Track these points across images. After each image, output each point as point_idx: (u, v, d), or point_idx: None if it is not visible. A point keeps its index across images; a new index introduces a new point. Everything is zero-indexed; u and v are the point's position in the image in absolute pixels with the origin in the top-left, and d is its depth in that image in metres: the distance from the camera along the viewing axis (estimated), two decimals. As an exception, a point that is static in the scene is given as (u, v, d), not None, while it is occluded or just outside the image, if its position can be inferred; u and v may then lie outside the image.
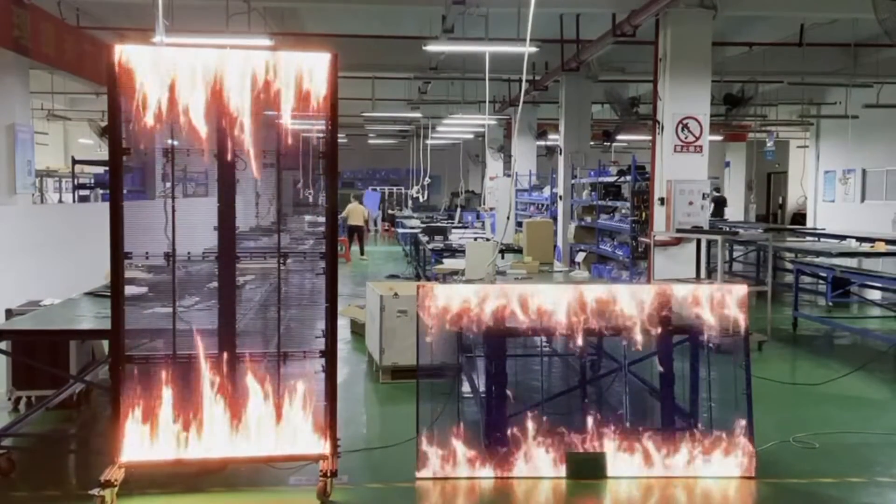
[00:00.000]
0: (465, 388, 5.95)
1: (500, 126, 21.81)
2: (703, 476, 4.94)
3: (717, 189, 23.19)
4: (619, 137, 16.51)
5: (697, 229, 9.17)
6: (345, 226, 18.62)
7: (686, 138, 9.29)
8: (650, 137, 9.89)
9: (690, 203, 9.27)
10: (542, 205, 16.87)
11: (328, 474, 4.54)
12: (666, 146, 9.29)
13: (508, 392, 5.11)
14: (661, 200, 9.38)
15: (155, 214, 4.50)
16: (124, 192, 4.47)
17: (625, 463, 4.96)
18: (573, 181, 14.29)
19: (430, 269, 11.18)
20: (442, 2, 9.58)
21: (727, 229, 12.59)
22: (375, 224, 28.99)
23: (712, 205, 16.06)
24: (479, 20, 10.48)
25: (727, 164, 26.69)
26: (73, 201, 18.67)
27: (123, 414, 4.47)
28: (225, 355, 4.55)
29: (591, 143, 15.75)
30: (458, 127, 21.23)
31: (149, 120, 4.35)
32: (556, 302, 5.00)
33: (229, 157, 4.47)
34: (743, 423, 5.01)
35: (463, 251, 9.35)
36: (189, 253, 4.60)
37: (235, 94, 4.44)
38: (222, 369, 4.54)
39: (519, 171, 17.96)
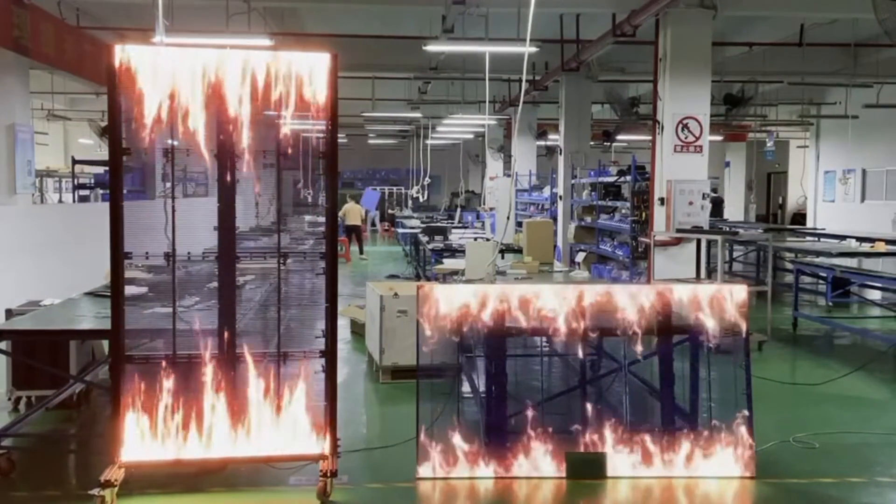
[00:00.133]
0: (466, 387, 5.95)
1: (500, 126, 21.80)
2: (703, 476, 4.94)
3: (715, 190, 23.13)
4: (619, 137, 16.51)
5: (697, 229, 9.17)
6: (343, 226, 18.62)
7: (686, 138, 9.29)
8: (650, 137, 9.89)
9: (690, 203, 9.27)
10: (542, 205, 16.87)
11: (328, 474, 4.54)
12: (666, 146, 9.29)
13: (508, 392, 5.10)
14: (661, 200, 9.39)
15: (155, 214, 4.50)
16: (124, 192, 4.47)
17: (624, 463, 4.96)
18: (573, 181, 14.29)
19: (430, 270, 11.18)
20: (442, 2, 9.58)
21: (727, 229, 12.58)
22: (373, 224, 28.93)
23: (710, 205, 16.03)
24: (479, 20, 10.48)
25: (727, 164, 26.67)
26: (73, 201, 18.68)
27: (123, 414, 4.47)
28: (225, 355, 4.55)
29: (591, 143, 15.74)
30: (458, 127, 21.21)
31: (149, 120, 4.35)
32: (556, 302, 5.00)
33: (229, 158, 4.47)
34: (743, 423, 5.01)
35: (463, 251, 9.34)
36: (189, 253, 4.61)
37: (235, 95, 4.44)
38: (222, 369, 4.54)
39: (519, 171, 17.94)
